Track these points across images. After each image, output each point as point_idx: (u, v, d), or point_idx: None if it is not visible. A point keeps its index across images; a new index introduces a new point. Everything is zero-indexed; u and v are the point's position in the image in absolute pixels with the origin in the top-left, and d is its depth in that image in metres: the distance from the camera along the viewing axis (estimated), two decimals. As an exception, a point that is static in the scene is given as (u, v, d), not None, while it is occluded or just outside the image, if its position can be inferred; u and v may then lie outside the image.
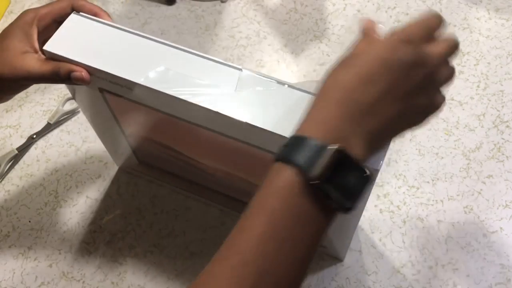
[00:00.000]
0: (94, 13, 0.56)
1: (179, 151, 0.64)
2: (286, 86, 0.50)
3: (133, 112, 0.59)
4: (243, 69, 0.51)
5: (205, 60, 0.52)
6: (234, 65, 0.51)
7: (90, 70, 0.52)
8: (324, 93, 0.41)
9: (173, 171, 0.72)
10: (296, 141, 0.39)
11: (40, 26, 0.56)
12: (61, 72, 0.53)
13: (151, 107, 0.55)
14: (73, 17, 0.55)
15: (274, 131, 0.47)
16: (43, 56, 0.55)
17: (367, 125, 0.40)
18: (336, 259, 0.70)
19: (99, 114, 0.63)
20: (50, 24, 0.56)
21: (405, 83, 0.41)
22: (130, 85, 0.51)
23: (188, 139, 0.60)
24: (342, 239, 0.65)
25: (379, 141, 0.42)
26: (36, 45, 0.55)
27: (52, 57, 0.53)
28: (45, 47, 0.53)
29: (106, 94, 0.56)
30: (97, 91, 0.56)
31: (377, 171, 0.46)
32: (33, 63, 0.54)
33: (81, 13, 0.55)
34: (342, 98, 0.40)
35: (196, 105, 0.49)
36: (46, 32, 0.56)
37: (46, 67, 0.54)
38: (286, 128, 0.47)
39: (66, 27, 0.54)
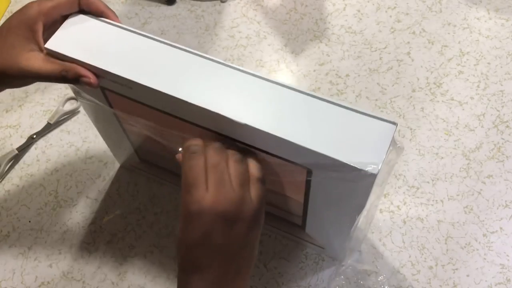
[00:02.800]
0: (101, 11, 0.54)
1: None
2: (287, 88, 0.50)
3: (135, 110, 0.59)
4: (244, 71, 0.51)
5: (206, 60, 0.52)
6: (234, 65, 0.51)
7: (92, 69, 0.52)
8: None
9: (173, 170, 0.72)
10: None
11: (46, 22, 0.54)
12: (68, 75, 0.52)
13: (152, 106, 0.55)
14: (75, 15, 0.55)
15: (272, 133, 0.47)
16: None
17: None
18: (336, 259, 0.70)
19: (101, 112, 0.63)
20: (57, 20, 0.54)
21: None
22: (131, 84, 0.51)
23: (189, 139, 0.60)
24: (341, 240, 0.65)
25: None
26: (42, 42, 0.53)
27: (54, 56, 0.53)
28: (47, 45, 0.53)
29: (108, 92, 0.56)
30: (99, 90, 0.56)
31: (374, 175, 0.45)
32: (39, 62, 0.52)
33: (83, 11, 0.55)
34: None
35: (196, 105, 0.49)
36: (52, 28, 0.54)
37: (53, 68, 0.52)
38: (283, 128, 0.47)
39: (68, 25, 0.54)
